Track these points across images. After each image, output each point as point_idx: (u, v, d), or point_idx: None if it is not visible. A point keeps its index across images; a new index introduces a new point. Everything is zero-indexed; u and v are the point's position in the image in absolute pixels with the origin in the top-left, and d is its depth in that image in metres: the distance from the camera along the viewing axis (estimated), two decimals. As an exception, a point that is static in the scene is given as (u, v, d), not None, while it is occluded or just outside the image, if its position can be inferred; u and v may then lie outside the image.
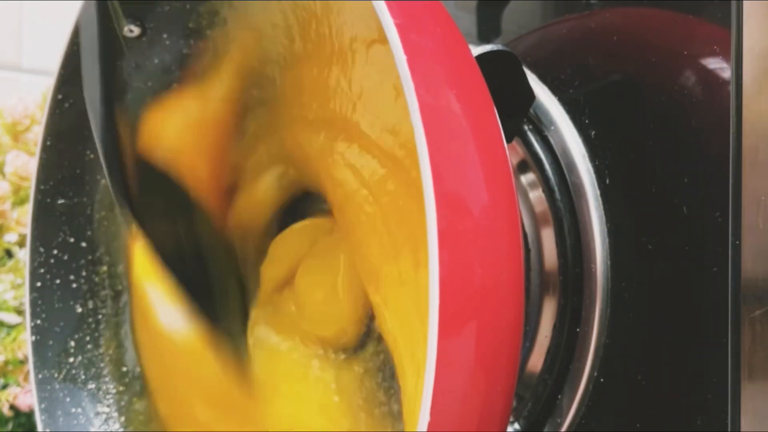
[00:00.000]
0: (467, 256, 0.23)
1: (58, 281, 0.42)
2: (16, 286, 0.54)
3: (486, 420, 0.24)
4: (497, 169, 0.25)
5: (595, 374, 0.32)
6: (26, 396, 0.51)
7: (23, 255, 0.55)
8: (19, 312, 0.53)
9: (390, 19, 0.24)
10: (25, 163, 0.58)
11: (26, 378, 0.52)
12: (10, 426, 0.51)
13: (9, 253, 0.57)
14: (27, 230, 0.42)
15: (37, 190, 0.42)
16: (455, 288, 0.23)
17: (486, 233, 0.24)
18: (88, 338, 0.43)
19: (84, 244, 0.43)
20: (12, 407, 0.51)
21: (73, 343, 0.42)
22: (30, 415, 0.52)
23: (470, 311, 0.23)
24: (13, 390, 0.51)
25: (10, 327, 0.53)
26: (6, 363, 0.52)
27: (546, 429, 0.33)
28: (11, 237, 0.57)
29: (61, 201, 0.42)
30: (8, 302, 0.53)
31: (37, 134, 0.59)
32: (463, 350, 0.23)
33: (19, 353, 0.52)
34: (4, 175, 0.59)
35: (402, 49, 0.23)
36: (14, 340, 0.52)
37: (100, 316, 0.43)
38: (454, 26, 0.27)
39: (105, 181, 0.43)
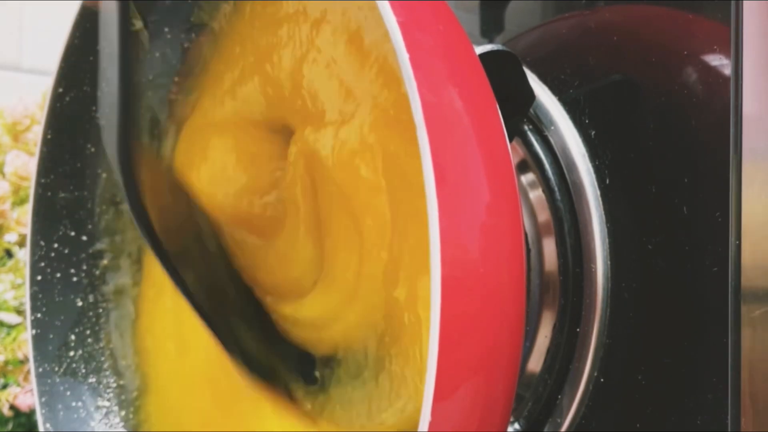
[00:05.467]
0: (469, 255, 0.23)
1: (58, 275, 0.42)
2: (16, 286, 0.54)
3: (486, 420, 0.24)
4: (500, 167, 0.25)
5: (595, 374, 0.32)
6: (26, 396, 0.51)
7: (23, 255, 0.55)
8: (19, 312, 0.53)
9: (393, 18, 0.24)
10: (25, 163, 0.58)
11: (26, 378, 0.52)
12: (10, 426, 0.51)
13: (9, 253, 0.57)
14: (27, 224, 0.42)
15: (38, 184, 0.42)
16: (457, 288, 0.23)
17: (488, 232, 0.24)
18: (88, 332, 0.43)
19: (84, 238, 0.43)
20: (12, 407, 0.51)
21: (73, 337, 0.42)
22: (30, 414, 0.52)
23: (471, 311, 0.23)
24: (13, 390, 0.51)
25: (10, 327, 0.53)
26: (6, 363, 0.52)
27: (546, 429, 0.33)
28: (11, 237, 0.57)
29: (61, 195, 0.42)
30: (8, 302, 0.53)
31: (37, 134, 0.59)
32: (464, 350, 0.23)
33: (19, 353, 0.52)
34: (4, 175, 0.59)
35: (405, 47, 0.23)
36: (14, 340, 0.52)
37: (100, 310, 0.43)
38: (458, 24, 0.27)
39: (105, 175, 0.43)
